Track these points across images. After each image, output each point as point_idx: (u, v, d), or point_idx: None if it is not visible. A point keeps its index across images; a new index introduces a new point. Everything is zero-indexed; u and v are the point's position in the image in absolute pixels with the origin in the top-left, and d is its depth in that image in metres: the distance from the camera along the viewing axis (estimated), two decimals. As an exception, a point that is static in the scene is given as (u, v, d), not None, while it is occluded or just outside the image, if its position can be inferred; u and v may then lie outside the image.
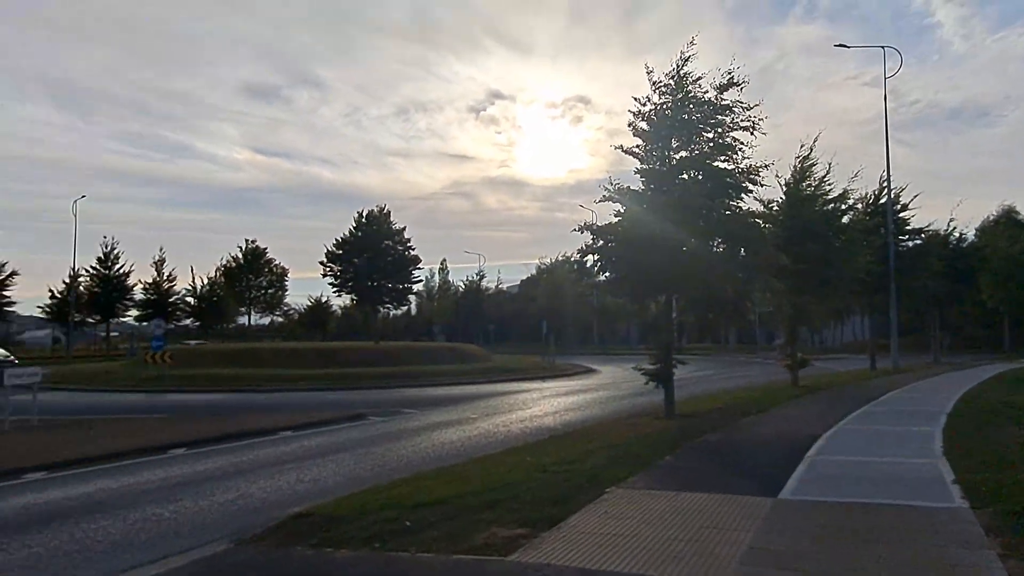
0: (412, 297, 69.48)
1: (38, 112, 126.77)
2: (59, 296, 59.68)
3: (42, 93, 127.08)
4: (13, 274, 55.81)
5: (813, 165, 21.84)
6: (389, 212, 58.44)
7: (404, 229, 58.24)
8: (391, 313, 79.20)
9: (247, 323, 77.60)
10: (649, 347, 16.40)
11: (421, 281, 69.84)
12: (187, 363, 31.12)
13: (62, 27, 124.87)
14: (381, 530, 6.30)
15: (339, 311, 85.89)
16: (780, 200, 21.67)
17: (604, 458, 9.58)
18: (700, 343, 71.27)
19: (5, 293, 55.97)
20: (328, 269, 57.06)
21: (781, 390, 20.57)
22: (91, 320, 63.69)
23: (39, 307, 62.21)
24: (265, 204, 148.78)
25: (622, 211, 14.17)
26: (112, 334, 68.35)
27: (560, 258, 75.53)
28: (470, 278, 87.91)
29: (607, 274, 15.01)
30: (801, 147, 21.97)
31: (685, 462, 9.61)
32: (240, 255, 74.26)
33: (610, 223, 14.23)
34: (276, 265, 76.54)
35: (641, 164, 14.34)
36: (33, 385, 15.92)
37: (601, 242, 14.35)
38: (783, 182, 21.68)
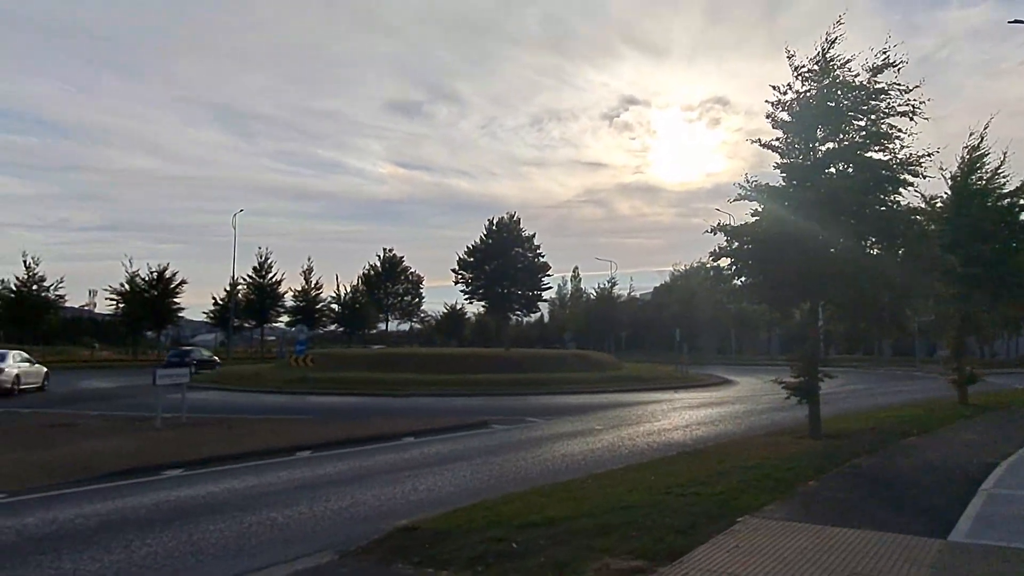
0: (543, 304, 69.54)
1: (205, 135, 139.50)
2: (220, 303, 64.71)
3: (209, 118, 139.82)
4: (183, 283, 61.05)
5: (984, 155, 19.37)
6: (519, 219, 58.93)
7: (534, 236, 58.50)
8: (523, 320, 79.72)
9: (386, 329, 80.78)
10: (791, 358, 15.06)
11: (550, 288, 69.51)
12: (332, 367, 32.60)
13: (226, 56, 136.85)
14: (486, 551, 5.90)
15: (473, 318, 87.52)
16: (945, 195, 19.41)
17: (737, 481, 8.69)
18: (850, 354, 66.28)
19: (176, 300, 61.24)
20: (459, 276, 58.26)
21: (946, 408, 18.47)
22: (247, 325, 68.56)
23: (204, 313, 67.81)
24: (406, 215, 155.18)
25: (760, 210, 13.08)
26: (268, 338, 73.31)
27: (695, 264, 72.95)
28: (601, 285, 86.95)
29: (743, 278, 13.98)
30: (970, 136, 19.56)
31: (832, 490, 8.52)
32: (379, 263, 77.53)
33: (746, 223, 13.17)
34: (412, 273, 79.20)
35: (781, 158, 13.19)
36: (182, 385, 17.01)
37: (736, 244, 13.31)
38: (948, 175, 19.40)
